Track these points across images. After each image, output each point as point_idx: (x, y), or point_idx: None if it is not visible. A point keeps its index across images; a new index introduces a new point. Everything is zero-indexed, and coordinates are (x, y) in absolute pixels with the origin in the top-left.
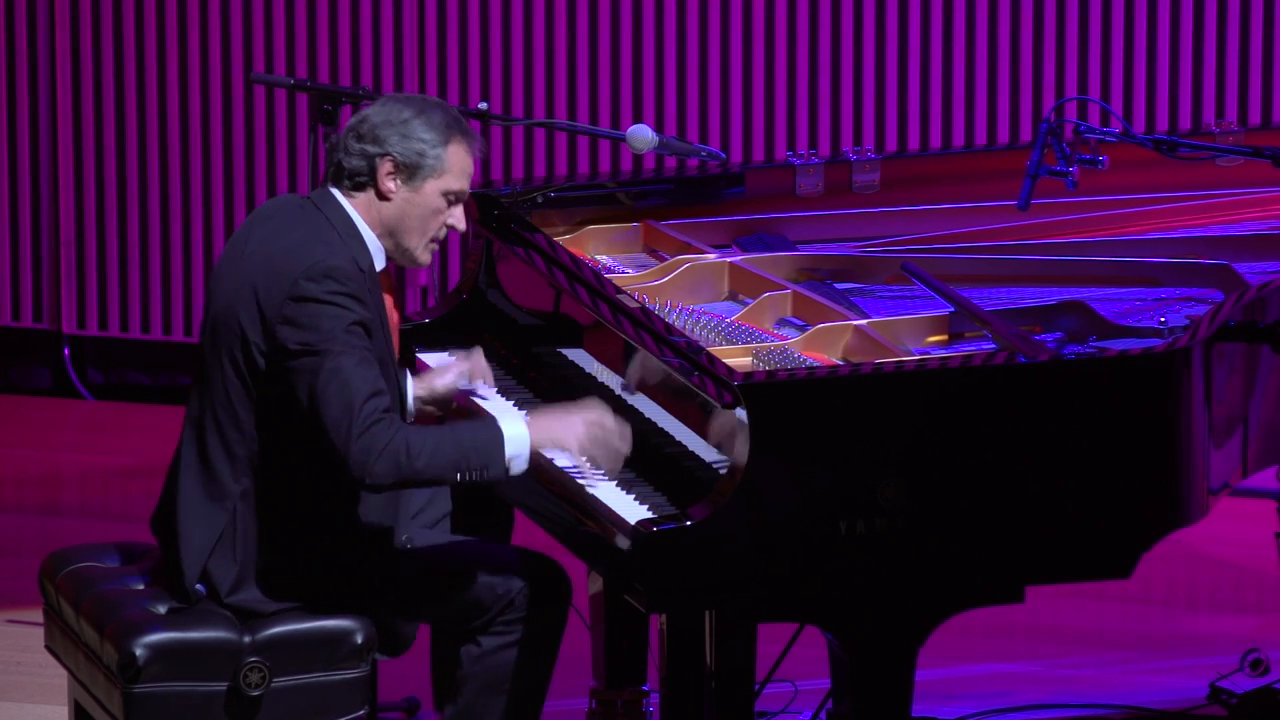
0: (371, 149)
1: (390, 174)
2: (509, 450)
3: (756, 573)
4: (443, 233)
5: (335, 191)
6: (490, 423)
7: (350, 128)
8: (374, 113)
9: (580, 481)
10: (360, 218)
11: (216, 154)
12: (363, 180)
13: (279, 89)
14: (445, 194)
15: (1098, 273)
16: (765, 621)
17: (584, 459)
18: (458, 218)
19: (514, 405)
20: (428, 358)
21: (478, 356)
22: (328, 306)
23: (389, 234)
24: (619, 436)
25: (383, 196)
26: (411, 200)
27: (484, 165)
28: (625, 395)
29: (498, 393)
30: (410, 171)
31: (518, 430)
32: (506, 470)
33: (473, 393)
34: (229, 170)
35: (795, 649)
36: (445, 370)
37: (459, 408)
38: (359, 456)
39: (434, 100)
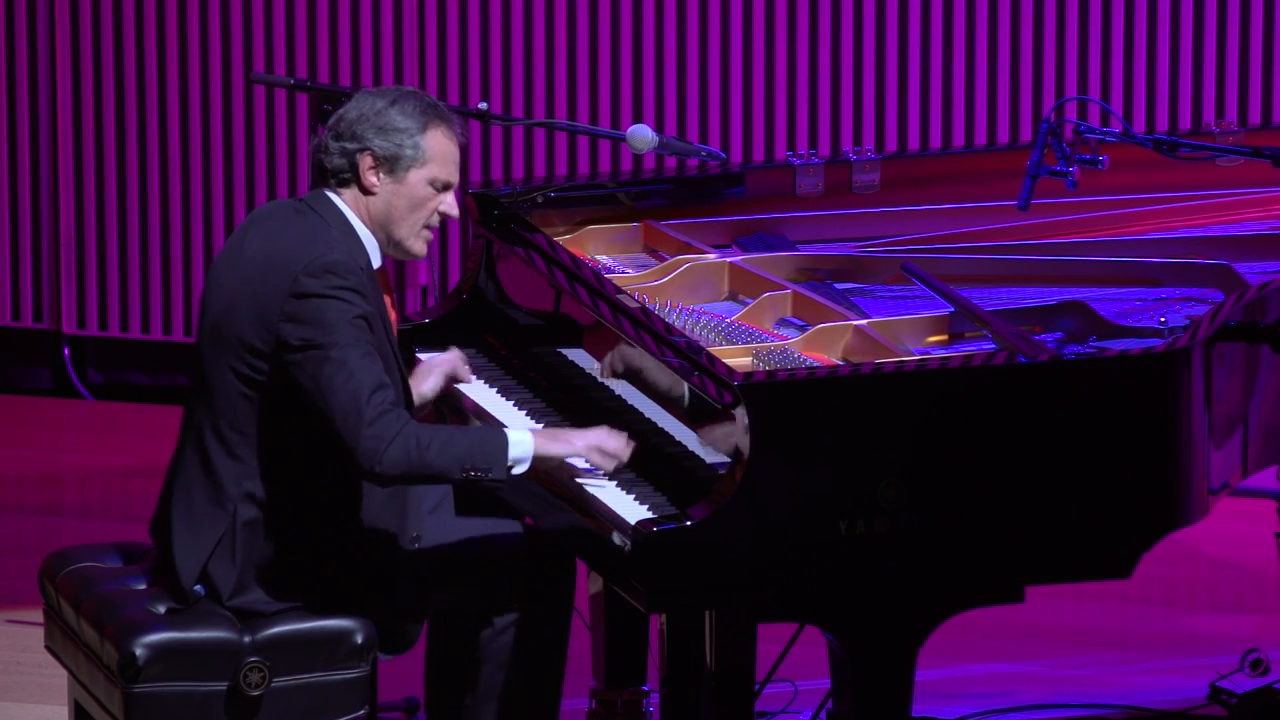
0: (350, 145)
1: (371, 168)
2: (513, 453)
3: (756, 572)
4: (435, 220)
5: (328, 191)
6: (496, 426)
7: (329, 127)
8: (350, 109)
9: (580, 481)
10: (353, 214)
11: (216, 154)
12: (346, 177)
13: (279, 89)
14: (431, 181)
15: (1098, 273)
16: (765, 621)
17: (582, 463)
18: (449, 204)
19: (514, 405)
20: (428, 358)
21: (451, 357)
22: (330, 301)
23: (380, 227)
24: (621, 450)
25: (367, 191)
26: (397, 191)
27: (484, 165)
28: (605, 381)
29: (497, 393)
30: (391, 163)
31: (522, 436)
32: (508, 472)
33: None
34: (229, 170)
35: (795, 649)
36: (428, 375)
37: (458, 409)
38: (369, 445)
39: (410, 90)
